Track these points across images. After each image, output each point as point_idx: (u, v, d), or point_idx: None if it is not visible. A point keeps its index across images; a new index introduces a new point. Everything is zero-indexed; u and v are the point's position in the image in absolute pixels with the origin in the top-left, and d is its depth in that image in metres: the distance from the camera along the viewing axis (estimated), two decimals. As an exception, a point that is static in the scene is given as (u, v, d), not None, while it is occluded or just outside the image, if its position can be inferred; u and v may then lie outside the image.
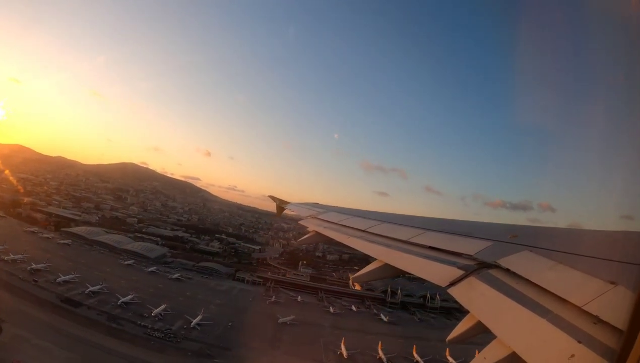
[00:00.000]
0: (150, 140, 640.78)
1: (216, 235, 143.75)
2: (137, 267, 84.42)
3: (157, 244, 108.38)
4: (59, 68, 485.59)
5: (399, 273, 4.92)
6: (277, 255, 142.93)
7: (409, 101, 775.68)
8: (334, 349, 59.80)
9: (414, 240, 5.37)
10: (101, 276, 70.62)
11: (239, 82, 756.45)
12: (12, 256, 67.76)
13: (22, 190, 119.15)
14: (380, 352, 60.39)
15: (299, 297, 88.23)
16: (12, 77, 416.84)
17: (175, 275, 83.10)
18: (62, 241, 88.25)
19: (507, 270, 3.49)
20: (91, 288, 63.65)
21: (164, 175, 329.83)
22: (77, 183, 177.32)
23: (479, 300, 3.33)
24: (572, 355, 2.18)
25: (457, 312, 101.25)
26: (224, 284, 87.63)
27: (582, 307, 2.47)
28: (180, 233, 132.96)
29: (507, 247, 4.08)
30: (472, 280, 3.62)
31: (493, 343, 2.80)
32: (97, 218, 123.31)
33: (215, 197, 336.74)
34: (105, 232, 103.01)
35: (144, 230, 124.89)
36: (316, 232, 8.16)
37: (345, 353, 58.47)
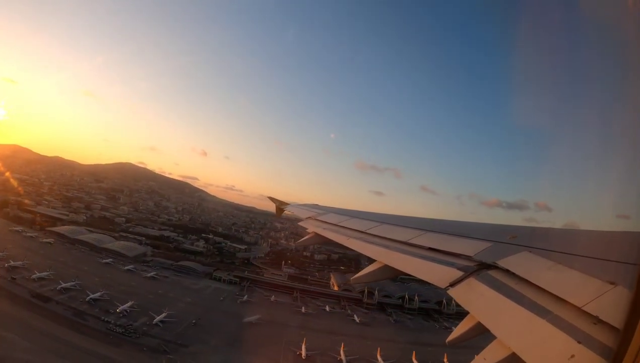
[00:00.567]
0: (147, 140, 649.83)
1: (202, 235, 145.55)
2: (114, 265, 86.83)
3: (141, 244, 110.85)
4: (55, 68, 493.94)
5: (399, 275, 4.95)
6: (263, 255, 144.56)
7: (402, 100, 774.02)
8: (295, 349, 59.26)
9: (413, 241, 5.40)
10: (76, 274, 73.18)
11: (234, 82, 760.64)
12: (-7, 254, 70.61)
13: (13, 190, 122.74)
14: (342, 353, 59.82)
15: (273, 296, 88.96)
16: (7, 77, 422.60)
17: (151, 274, 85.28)
18: (45, 240, 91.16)
19: (507, 271, 3.51)
20: (63, 285, 66.19)
21: (161, 175, 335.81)
22: (71, 183, 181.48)
23: (479, 301, 3.34)
24: (572, 356, 2.18)
25: (436, 313, 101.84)
26: (199, 283, 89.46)
27: (582, 308, 2.47)
28: (166, 233, 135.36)
29: (506, 248, 4.10)
30: (472, 281, 3.63)
31: (493, 344, 2.82)
32: (84, 217, 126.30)
33: (213, 197, 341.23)
34: (89, 231, 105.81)
35: (130, 229, 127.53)
36: (315, 233, 8.19)
37: (304, 354, 57.94)
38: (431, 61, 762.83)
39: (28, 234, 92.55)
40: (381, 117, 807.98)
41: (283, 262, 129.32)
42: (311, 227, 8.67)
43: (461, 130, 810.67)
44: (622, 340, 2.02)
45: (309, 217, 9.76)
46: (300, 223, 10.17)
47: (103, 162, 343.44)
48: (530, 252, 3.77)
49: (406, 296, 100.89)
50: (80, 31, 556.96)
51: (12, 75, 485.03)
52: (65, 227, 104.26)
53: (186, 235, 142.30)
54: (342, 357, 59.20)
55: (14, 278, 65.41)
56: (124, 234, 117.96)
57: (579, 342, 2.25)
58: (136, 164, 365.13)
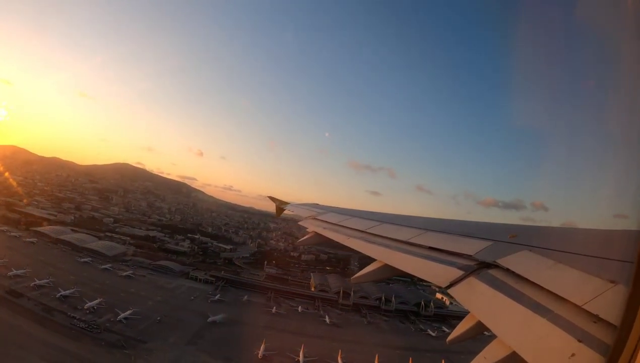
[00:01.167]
0: (145, 140, 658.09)
1: (189, 235, 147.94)
2: (92, 264, 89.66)
3: (125, 244, 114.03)
4: (52, 69, 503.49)
5: (399, 274, 4.98)
6: (248, 255, 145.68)
7: (396, 99, 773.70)
8: (254, 349, 58.68)
9: (413, 240, 5.43)
10: (53, 272, 76.34)
11: (231, 83, 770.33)
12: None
13: (4, 191, 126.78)
14: (301, 354, 59.35)
15: (246, 296, 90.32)
16: (4, 78, 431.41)
17: (127, 273, 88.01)
18: (28, 239, 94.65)
19: (507, 270, 3.53)
20: (37, 282, 69.06)
21: (159, 176, 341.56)
22: (65, 184, 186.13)
23: (479, 300, 3.37)
24: (573, 354, 2.20)
25: (413, 315, 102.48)
26: (173, 282, 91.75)
27: (582, 306, 2.49)
28: (153, 233, 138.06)
29: (506, 247, 4.12)
30: (472, 280, 3.65)
31: (493, 343, 2.85)
32: (72, 218, 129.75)
33: (210, 197, 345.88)
34: (73, 231, 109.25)
35: (117, 230, 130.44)
36: (315, 232, 8.24)
37: (260, 354, 57.72)
38: (426, 61, 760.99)
39: (12, 234, 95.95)
40: (374, 116, 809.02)
41: (265, 262, 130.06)
42: (311, 227, 8.68)
43: (456, 129, 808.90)
44: (619, 337, 2.06)
45: (309, 217, 9.76)
46: (300, 223, 10.28)
47: (101, 163, 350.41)
48: (531, 251, 3.80)
49: (383, 297, 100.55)
50: (77, 32, 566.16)
51: (9, 76, 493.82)
52: (49, 227, 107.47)
53: (173, 235, 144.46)
54: (301, 358, 58.86)
55: (-7, 276, 68.74)
56: (110, 234, 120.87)
57: (580, 341, 2.27)
58: (134, 165, 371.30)
